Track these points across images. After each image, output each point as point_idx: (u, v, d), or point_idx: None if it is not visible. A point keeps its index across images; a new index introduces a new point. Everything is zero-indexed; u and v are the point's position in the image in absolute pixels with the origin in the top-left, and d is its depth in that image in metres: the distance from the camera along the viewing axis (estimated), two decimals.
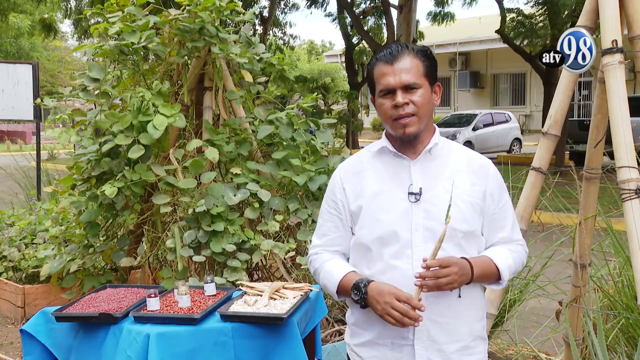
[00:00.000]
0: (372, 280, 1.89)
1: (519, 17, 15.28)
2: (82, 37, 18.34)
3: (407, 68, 1.89)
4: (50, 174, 8.06)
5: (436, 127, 2.02)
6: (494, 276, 1.95)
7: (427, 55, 1.94)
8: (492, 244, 2.02)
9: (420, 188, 1.92)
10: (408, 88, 1.89)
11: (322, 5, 21.19)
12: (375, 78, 1.94)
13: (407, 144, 1.96)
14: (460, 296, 1.92)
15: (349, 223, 2.02)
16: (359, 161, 2.05)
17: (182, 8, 4.16)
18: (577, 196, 3.12)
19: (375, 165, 2.01)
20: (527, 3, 15.02)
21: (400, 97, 1.88)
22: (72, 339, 2.76)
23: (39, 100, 4.44)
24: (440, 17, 19.62)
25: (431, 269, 1.80)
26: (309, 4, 20.82)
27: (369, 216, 1.95)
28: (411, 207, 1.92)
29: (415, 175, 1.94)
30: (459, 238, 1.92)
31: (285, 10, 22.49)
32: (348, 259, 2.06)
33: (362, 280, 1.89)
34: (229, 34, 4.24)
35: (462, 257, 1.88)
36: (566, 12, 13.46)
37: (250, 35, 4.51)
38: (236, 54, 4.14)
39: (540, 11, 14.62)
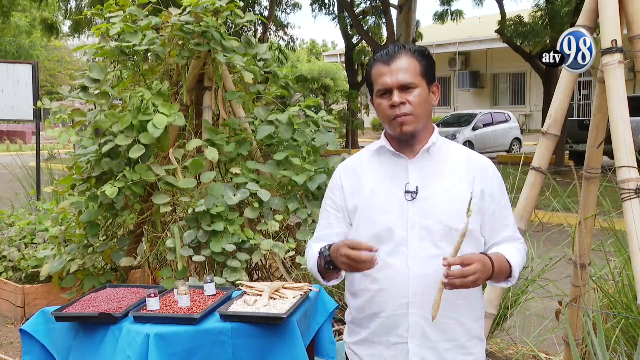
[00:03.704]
0: (332, 244, 1.93)
1: (517, 23, 15.30)
2: (77, 33, 18.35)
3: (403, 68, 1.90)
4: (58, 174, 8.05)
5: (435, 127, 2.03)
6: (507, 273, 1.94)
7: (424, 56, 1.95)
8: (495, 242, 2.01)
9: (417, 187, 1.93)
10: (405, 88, 1.89)
11: (328, 7, 21.25)
12: (373, 78, 1.95)
13: (405, 143, 1.96)
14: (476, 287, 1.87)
15: (347, 220, 2.03)
16: (358, 160, 2.07)
17: (182, 8, 4.16)
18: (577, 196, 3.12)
19: (373, 164, 2.02)
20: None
21: (397, 97, 1.89)
22: (72, 339, 2.76)
23: (40, 103, 4.44)
24: (448, 15, 19.66)
25: (456, 267, 1.76)
26: (314, 5, 20.91)
27: (366, 214, 1.96)
28: (407, 205, 1.92)
29: (413, 175, 1.95)
30: (455, 237, 1.91)
31: (287, 10, 22.52)
32: None
33: (324, 246, 1.95)
34: (229, 34, 4.24)
35: (482, 253, 1.87)
36: (567, 10, 13.46)
37: (250, 36, 4.51)
38: (242, 67, 4.16)
39: (539, 15, 14.64)
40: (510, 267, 1.93)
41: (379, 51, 1.97)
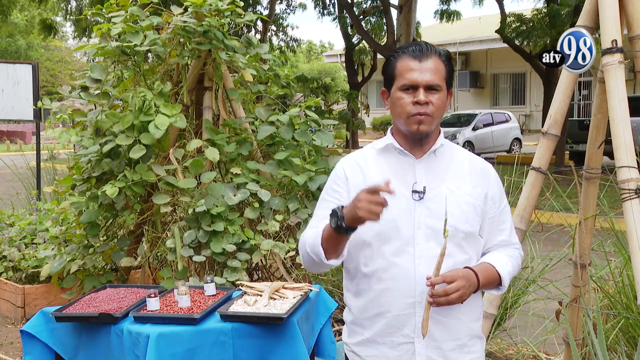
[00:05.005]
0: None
1: (518, 22, 15.30)
2: (81, 36, 18.38)
3: (433, 68, 1.89)
4: (60, 173, 8.05)
5: (441, 129, 2.03)
6: (496, 282, 1.97)
7: (449, 60, 1.96)
8: (491, 246, 2.03)
9: (424, 187, 1.93)
10: (431, 88, 1.89)
11: (327, 7, 21.30)
12: (398, 71, 1.92)
13: (416, 142, 1.96)
14: (462, 302, 1.91)
15: None
16: (363, 157, 2.05)
17: (183, 7, 4.16)
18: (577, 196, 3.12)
19: (379, 162, 2.00)
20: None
21: (422, 96, 1.88)
22: (78, 338, 2.77)
23: (40, 103, 4.44)
24: (447, 14, 19.69)
25: (439, 285, 1.80)
26: (317, 7, 20.99)
27: None
28: (414, 205, 1.92)
29: (420, 174, 1.95)
30: (460, 238, 1.93)
31: (288, 10, 22.55)
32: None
33: (338, 206, 1.83)
34: (230, 34, 4.25)
35: (467, 267, 1.89)
36: (566, 11, 13.46)
37: (251, 35, 4.52)
38: (245, 64, 4.16)
39: (540, 15, 14.64)
40: (499, 276, 1.95)
41: (408, 45, 1.94)
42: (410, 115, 1.90)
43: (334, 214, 1.82)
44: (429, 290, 1.80)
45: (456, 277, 1.81)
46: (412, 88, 1.89)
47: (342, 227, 1.79)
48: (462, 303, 1.88)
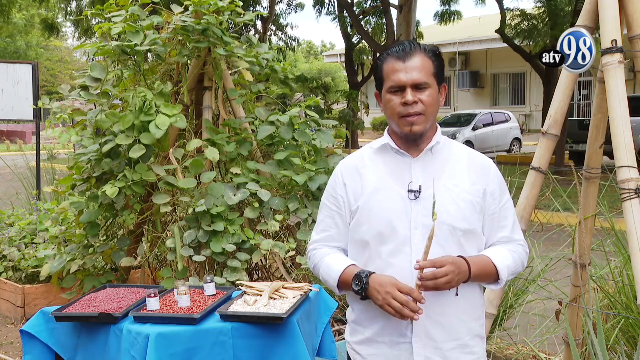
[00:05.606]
0: (374, 272, 1.90)
1: (520, 18, 15.29)
2: (83, 37, 18.38)
3: (418, 67, 1.89)
4: (60, 173, 8.06)
5: (438, 126, 2.03)
6: (493, 276, 1.95)
7: (437, 56, 1.95)
8: (492, 243, 2.02)
9: (420, 186, 1.92)
10: (418, 87, 1.89)
11: (328, 7, 21.32)
12: (385, 73, 1.93)
13: (412, 142, 1.96)
14: (457, 294, 1.91)
15: (348, 219, 2.02)
16: (360, 158, 2.06)
17: (184, 7, 4.17)
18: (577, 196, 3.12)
19: (376, 162, 2.01)
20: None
21: (410, 96, 1.88)
22: (77, 339, 2.77)
23: (41, 103, 4.44)
24: (447, 15, 19.67)
25: (428, 269, 1.81)
26: (317, 6, 21.00)
27: (368, 213, 1.95)
28: (411, 205, 1.92)
29: (416, 173, 1.95)
30: (459, 236, 1.92)
31: (288, 10, 22.57)
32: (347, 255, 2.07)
33: (363, 272, 1.90)
34: (230, 35, 4.26)
35: (460, 256, 1.89)
36: (568, 10, 13.46)
37: (251, 35, 4.53)
38: (241, 56, 4.16)
39: (542, 11, 14.65)
40: (497, 270, 1.94)
41: (393, 46, 1.94)
42: (401, 117, 1.90)
43: (358, 278, 1.90)
44: (418, 274, 1.81)
45: (446, 263, 1.82)
46: (400, 89, 1.90)
47: (363, 295, 1.90)
48: (457, 294, 1.89)
